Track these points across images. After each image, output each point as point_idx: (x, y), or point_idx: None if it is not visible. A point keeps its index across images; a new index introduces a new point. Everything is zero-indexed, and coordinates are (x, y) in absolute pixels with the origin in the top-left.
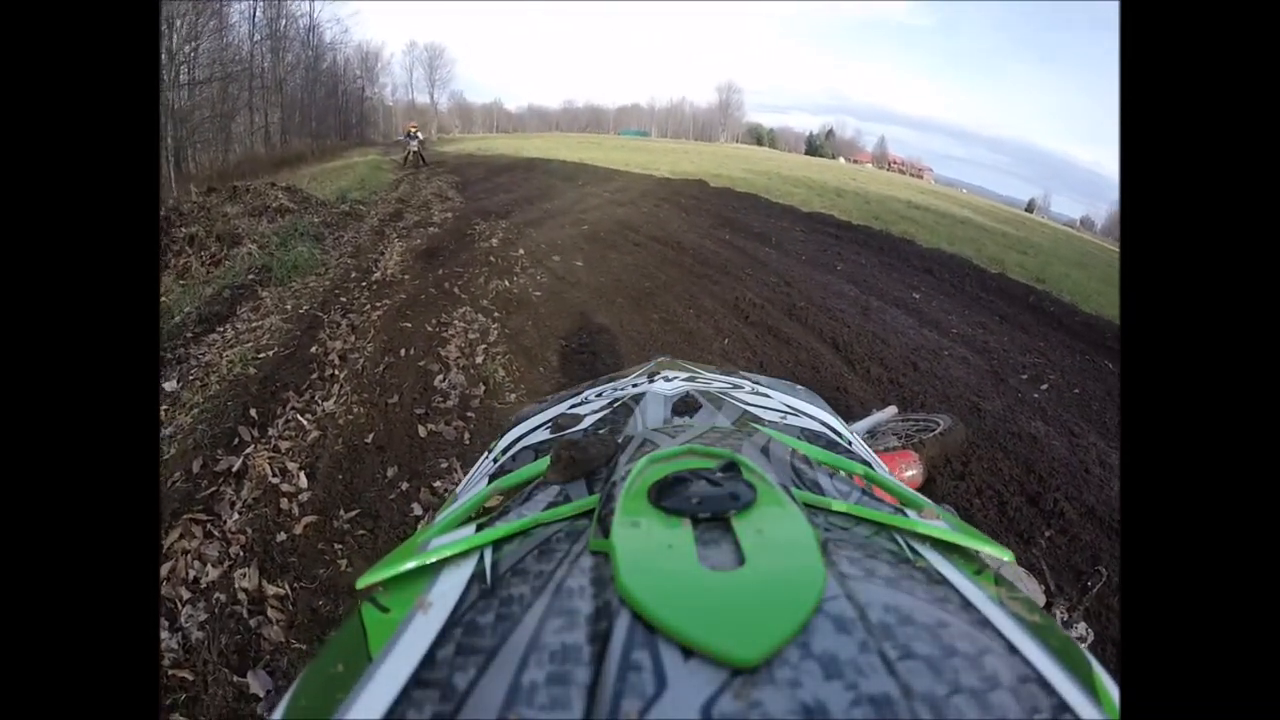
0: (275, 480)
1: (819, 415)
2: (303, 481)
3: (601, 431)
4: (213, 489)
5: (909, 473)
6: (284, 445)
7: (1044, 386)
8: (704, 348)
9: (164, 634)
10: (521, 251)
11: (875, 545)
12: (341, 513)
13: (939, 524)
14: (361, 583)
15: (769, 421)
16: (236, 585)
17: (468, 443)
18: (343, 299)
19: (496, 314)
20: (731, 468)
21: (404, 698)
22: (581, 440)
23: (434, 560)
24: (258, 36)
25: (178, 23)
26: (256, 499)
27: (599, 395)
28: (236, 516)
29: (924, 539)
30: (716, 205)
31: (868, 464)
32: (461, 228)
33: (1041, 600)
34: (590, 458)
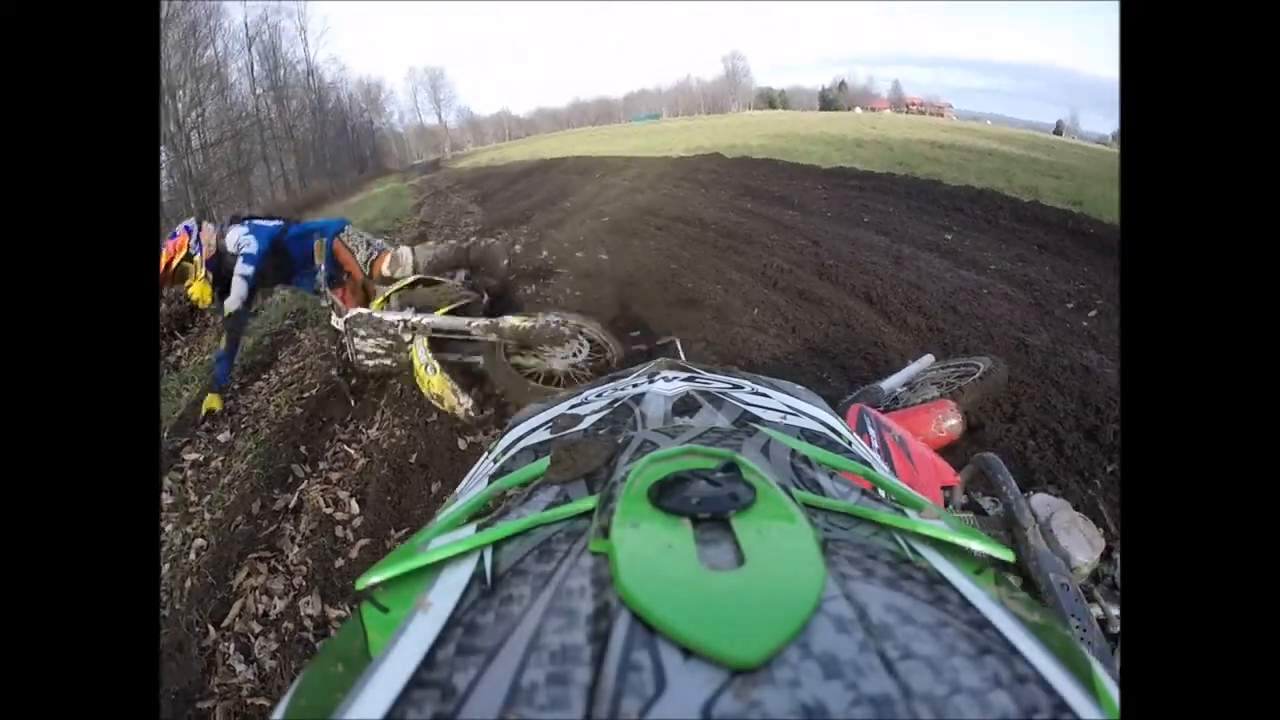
0: (329, 510)
1: (819, 415)
2: (354, 508)
3: (601, 432)
4: (273, 527)
5: (948, 423)
6: (334, 476)
7: (1092, 313)
8: (734, 321)
9: (240, 665)
10: (545, 253)
11: (875, 545)
12: (392, 532)
13: (939, 524)
14: (361, 583)
15: (769, 421)
16: (302, 613)
17: None
18: None
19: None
20: (731, 468)
21: (404, 698)
22: (581, 440)
23: (434, 560)
24: (259, 90)
25: (179, 92)
26: (313, 530)
27: (599, 396)
28: (296, 549)
29: (924, 539)
30: (735, 176)
31: (868, 464)
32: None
33: (1101, 544)
34: (590, 458)
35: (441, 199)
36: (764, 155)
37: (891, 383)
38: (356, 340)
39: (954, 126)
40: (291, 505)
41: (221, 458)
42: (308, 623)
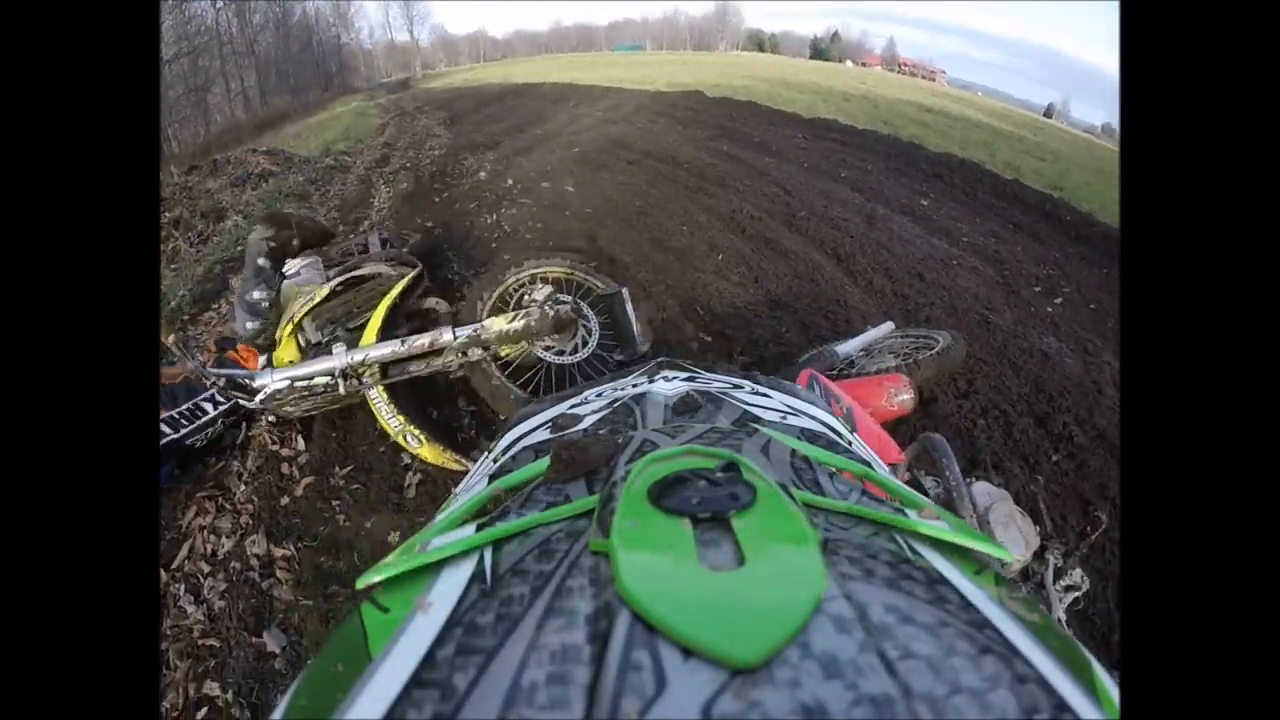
0: (275, 447)
1: (819, 415)
2: (300, 444)
3: (601, 432)
4: (221, 464)
5: (900, 398)
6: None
7: (1058, 300)
8: (696, 266)
9: (190, 607)
10: (510, 182)
11: (875, 545)
12: (336, 469)
13: (939, 524)
14: (361, 583)
15: (769, 421)
16: (248, 552)
17: None
18: None
19: (483, 253)
20: (731, 468)
21: (404, 698)
22: (581, 440)
23: (434, 560)
24: (220, 3)
25: None
26: (259, 468)
27: (599, 395)
28: (243, 487)
29: (924, 539)
30: (715, 116)
31: (868, 464)
32: (449, 165)
33: (1035, 541)
34: (590, 458)
35: (408, 120)
36: (747, 98)
37: (848, 347)
38: (286, 408)
39: (944, 93)
40: (239, 441)
41: None
42: (254, 562)
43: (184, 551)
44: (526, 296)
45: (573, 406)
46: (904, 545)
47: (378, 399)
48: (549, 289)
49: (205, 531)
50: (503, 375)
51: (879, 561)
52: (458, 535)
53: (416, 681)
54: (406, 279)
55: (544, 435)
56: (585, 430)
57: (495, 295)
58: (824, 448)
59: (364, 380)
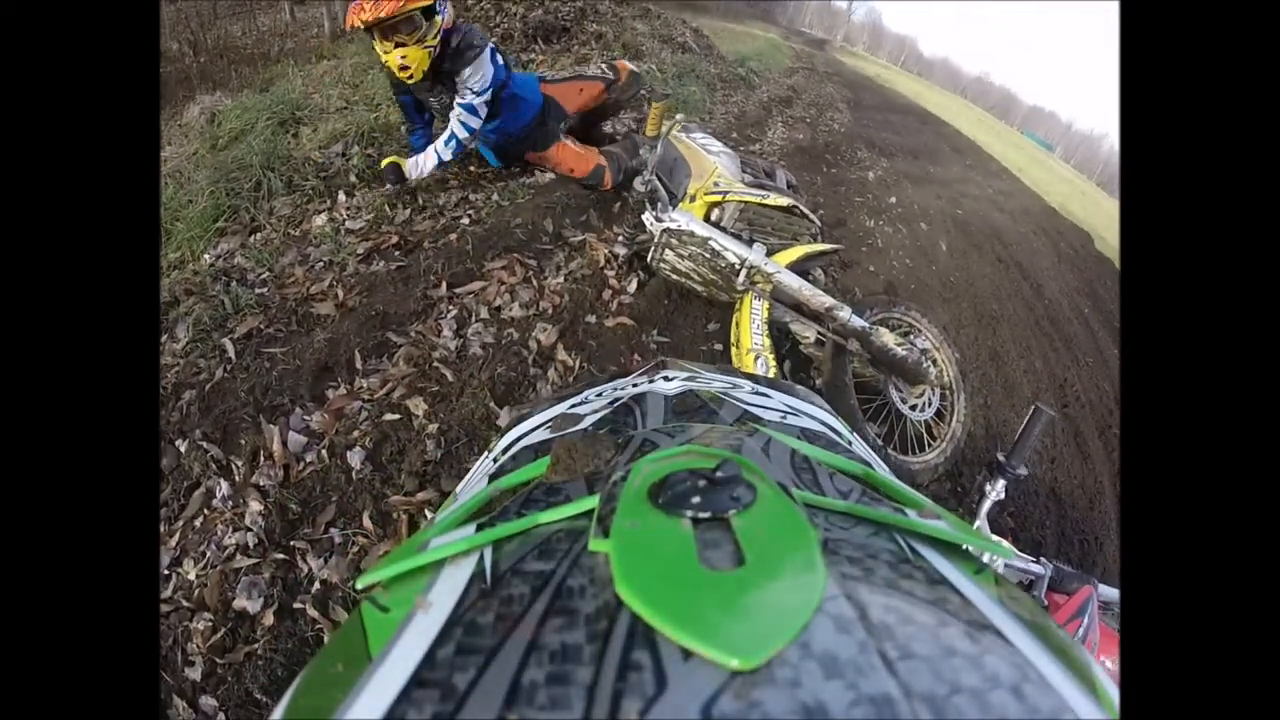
0: (605, 268)
1: (819, 415)
2: (632, 286)
3: (602, 431)
4: (548, 248)
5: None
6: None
7: None
8: (1016, 409)
9: (450, 335)
10: (894, 199)
11: (875, 545)
12: (654, 333)
13: (939, 524)
14: (361, 582)
15: (769, 421)
16: (534, 334)
17: None
18: None
19: (852, 255)
20: (732, 468)
21: (404, 698)
22: (581, 440)
23: (434, 560)
24: None
25: None
26: (585, 275)
27: (599, 395)
28: (560, 280)
29: (924, 539)
30: (1091, 272)
31: (868, 464)
32: (843, 146)
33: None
34: (590, 458)
35: (816, 79)
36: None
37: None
38: (668, 252)
39: None
40: (575, 240)
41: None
42: (532, 344)
43: (474, 287)
44: (911, 336)
45: (573, 406)
46: (904, 545)
47: (758, 311)
48: (928, 345)
49: (503, 286)
50: (853, 380)
51: (879, 561)
52: (457, 535)
53: (416, 681)
54: (832, 247)
55: (544, 435)
56: (585, 430)
57: (881, 315)
58: (824, 448)
59: (757, 287)
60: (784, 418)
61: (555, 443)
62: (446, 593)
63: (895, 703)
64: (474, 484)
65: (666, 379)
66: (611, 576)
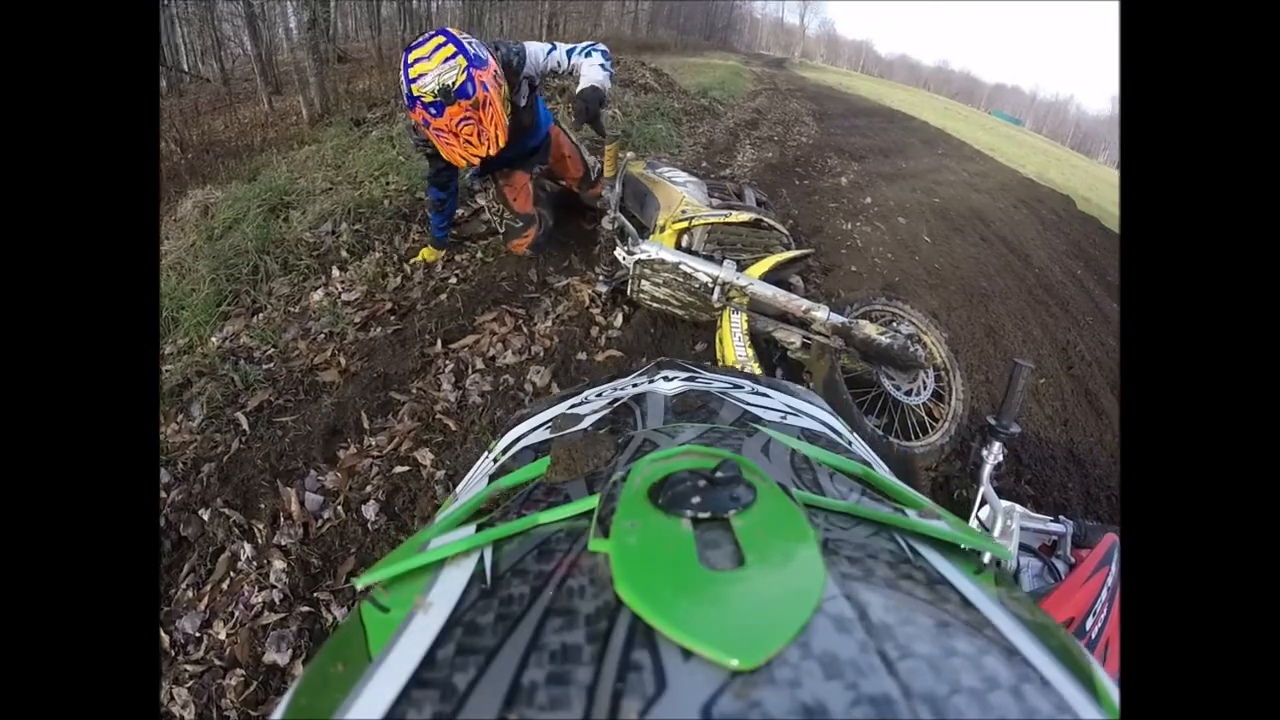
0: (590, 307)
1: (819, 415)
2: (618, 320)
3: (602, 431)
4: (535, 296)
5: None
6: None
7: None
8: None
9: (449, 388)
10: (869, 200)
11: (875, 545)
12: (644, 361)
13: (939, 524)
14: (361, 582)
15: (769, 421)
16: (528, 377)
17: None
18: None
19: (832, 258)
20: (731, 468)
21: (404, 698)
22: (581, 440)
23: (434, 560)
24: None
25: None
26: (572, 317)
27: (599, 395)
28: (549, 324)
29: (924, 539)
30: (1078, 232)
31: (868, 464)
32: (813, 157)
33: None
34: (590, 458)
35: (780, 98)
36: (1116, 229)
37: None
38: (644, 282)
39: None
40: (560, 286)
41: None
42: (528, 386)
43: (468, 340)
44: (894, 324)
45: (573, 406)
46: (904, 545)
47: (737, 324)
48: (914, 329)
49: (494, 337)
50: (844, 375)
51: (879, 561)
52: (458, 535)
53: (416, 681)
54: (802, 252)
55: (544, 435)
56: (585, 430)
57: (862, 310)
58: (824, 448)
59: (733, 302)
60: (784, 418)
61: (555, 443)
62: (446, 593)
63: (895, 703)
64: (474, 484)
65: (666, 379)
66: (611, 576)
